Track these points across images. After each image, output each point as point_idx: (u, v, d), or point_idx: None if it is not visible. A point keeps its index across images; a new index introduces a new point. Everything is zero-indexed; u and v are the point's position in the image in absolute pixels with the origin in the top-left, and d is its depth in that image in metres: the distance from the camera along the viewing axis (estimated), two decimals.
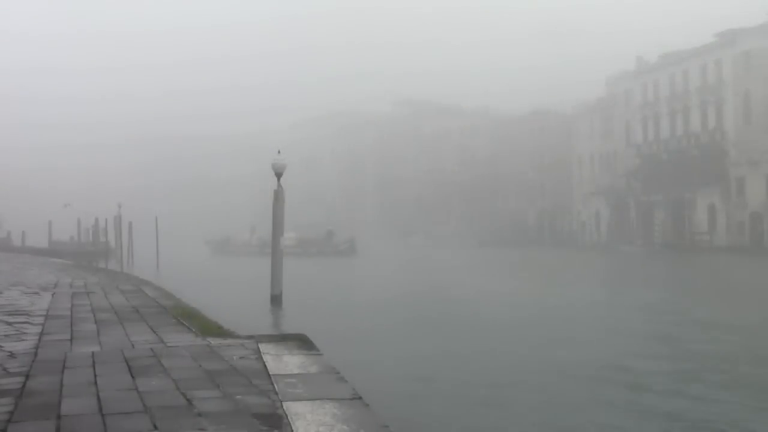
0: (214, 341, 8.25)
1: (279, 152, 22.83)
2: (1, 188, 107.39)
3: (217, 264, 49.27)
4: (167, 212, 79.85)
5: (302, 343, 7.92)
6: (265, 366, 6.74)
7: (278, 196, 22.11)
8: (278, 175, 22.40)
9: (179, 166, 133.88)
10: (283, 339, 8.39)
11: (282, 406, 5.38)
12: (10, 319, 10.43)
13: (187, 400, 5.56)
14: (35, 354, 7.52)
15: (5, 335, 8.86)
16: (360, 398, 5.57)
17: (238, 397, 5.64)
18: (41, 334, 8.96)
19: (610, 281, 34.91)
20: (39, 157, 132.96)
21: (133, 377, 6.32)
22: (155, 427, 4.89)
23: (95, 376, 6.37)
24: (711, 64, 63.74)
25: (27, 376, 6.38)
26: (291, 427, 4.90)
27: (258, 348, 7.64)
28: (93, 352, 7.56)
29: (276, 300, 21.44)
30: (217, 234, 78.69)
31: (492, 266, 43.66)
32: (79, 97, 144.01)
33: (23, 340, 8.51)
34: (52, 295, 14.56)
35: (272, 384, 6.02)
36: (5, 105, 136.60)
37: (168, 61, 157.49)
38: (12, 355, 7.49)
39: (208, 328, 9.58)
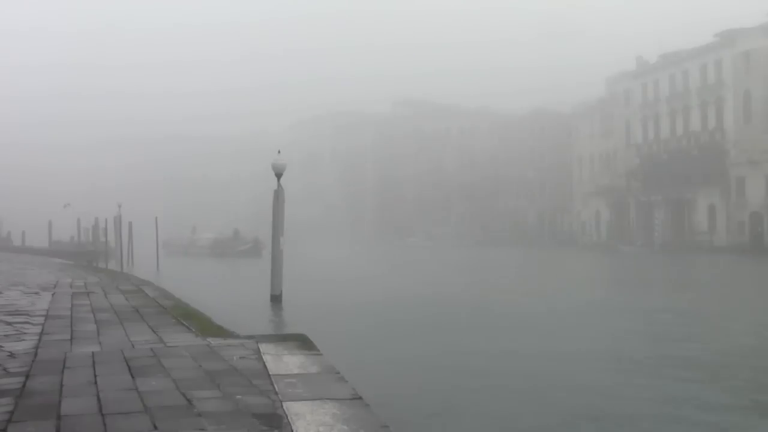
0: (214, 341, 8.25)
1: (279, 152, 22.82)
2: (1, 188, 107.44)
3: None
4: (167, 212, 79.84)
5: (302, 343, 7.92)
6: (265, 366, 6.74)
7: (278, 196, 22.09)
8: (278, 175, 22.38)
9: (179, 166, 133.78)
10: (283, 339, 8.40)
11: (282, 406, 5.38)
12: (10, 319, 10.43)
13: (187, 400, 5.56)
14: (35, 354, 7.51)
15: (5, 335, 8.86)
16: (360, 398, 5.57)
17: (238, 397, 5.63)
18: (41, 334, 8.96)
19: (613, 283, 34.88)
20: (39, 156, 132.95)
21: (133, 377, 6.31)
22: (155, 427, 4.89)
23: (95, 376, 6.37)
24: (711, 64, 63.73)
25: (27, 376, 6.38)
26: (291, 427, 4.90)
27: (258, 348, 7.64)
28: (93, 352, 7.56)
29: (276, 300, 21.45)
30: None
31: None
32: (79, 95, 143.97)
33: (23, 340, 8.51)
34: (52, 295, 14.57)
35: (272, 384, 6.02)
36: (5, 103, 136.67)
37: (169, 61, 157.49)
38: (12, 355, 7.49)
39: (208, 328, 9.59)
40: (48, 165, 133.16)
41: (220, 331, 9.28)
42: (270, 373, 6.45)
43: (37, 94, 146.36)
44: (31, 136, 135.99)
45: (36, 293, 15.08)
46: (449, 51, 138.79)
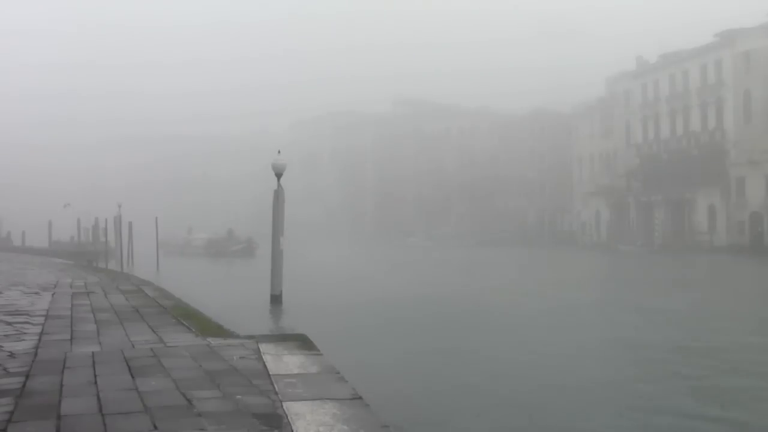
0: (214, 341, 8.26)
1: (279, 152, 22.82)
2: (1, 187, 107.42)
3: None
4: (167, 212, 79.74)
5: (302, 343, 7.93)
6: (265, 366, 6.75)
7: (278, 196, 22.09)
8: (278, 175, 22.37)
9: (179, 166, 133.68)
10: (283, 339, 8.41)
11: (282, 406, 5.39)
12: (10, 319, 10.44)
13: (187, 400, 5.56)
14: (35, 354, 7.52)
15: (5, 335, 8.87)
16: (360, 398, 5.57)
17: (238, 397, 5.64)
18: (41, 334, 8.97)
19: (610, 283, 34.89)
20: (39, 156, 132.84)
21: (133, 377, 6.32)
22: (155, 427, 4.89)
23: (95, 376, 6.38)
24: (711, 64, 63.71)
25: (27, 376, 6.38)
26: (291, 427, 4.91)
27: (258, 348, 7.65)
28: (93, 353, 7.56)
29: (276, 300, 21.45)
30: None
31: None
32: (79, 95, 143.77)
33: (23, 340, 8.51)
34: (52, 295, 14.57)
35: (272, 384, 6.03)
36: (5, 103, 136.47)
37: (169, 61, 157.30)
38: (12, 355, 7.50)
39: (208, 328, 9.59)
40: (48, 165, 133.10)
41: (220, 331, 9.29)
42: (270, 373, 6.45)
43: (38, 93, 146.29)
44: (30, 136, 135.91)
45: (36, 293, 15.08)
46: (449, 51, 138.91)
